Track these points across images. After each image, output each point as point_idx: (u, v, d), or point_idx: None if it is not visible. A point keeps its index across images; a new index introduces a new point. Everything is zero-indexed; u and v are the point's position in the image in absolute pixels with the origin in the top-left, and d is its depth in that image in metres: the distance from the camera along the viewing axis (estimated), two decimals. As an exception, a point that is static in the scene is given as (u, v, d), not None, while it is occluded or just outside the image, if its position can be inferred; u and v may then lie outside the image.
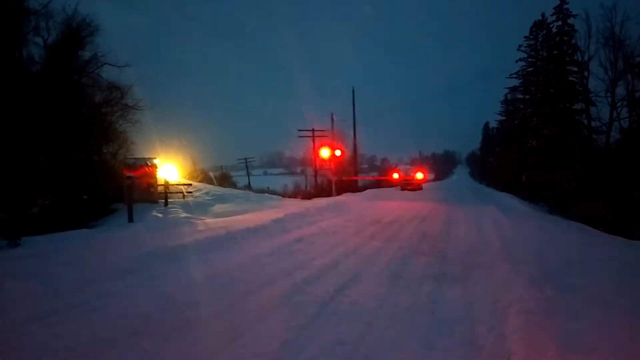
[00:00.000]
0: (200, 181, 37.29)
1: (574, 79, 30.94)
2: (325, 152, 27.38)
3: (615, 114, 26.39)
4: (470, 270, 6.44)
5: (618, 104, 26.12)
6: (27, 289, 4.73)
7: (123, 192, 16.91)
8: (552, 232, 11.94)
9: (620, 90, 25.87)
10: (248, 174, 53.14)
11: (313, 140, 33.11)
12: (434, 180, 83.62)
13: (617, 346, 3.34)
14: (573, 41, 31.17)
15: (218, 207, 20.22)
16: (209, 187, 35.65)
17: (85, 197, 15.66)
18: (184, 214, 15.54)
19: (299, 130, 33.73)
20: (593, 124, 28.60)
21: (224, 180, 49.45)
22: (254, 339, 3.74)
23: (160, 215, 15.07)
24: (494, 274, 6.02)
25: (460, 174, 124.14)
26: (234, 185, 47.86)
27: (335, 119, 31.78)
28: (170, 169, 21.43)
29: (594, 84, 27.96)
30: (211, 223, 11.65)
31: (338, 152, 27.70)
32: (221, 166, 59.01)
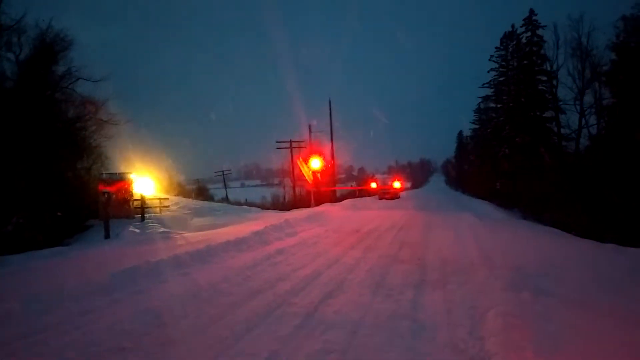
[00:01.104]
0: (177, 195, 36.94)
1: (544, 88, 32.05)
2: (315, 163, 27.44)
3: (583, 122, 27.45)
4: (449, 276, 6.60)
5: (586, 112, 27.19)
6: (6, 308, 4.64)
7: (98, 208, 16.65)
8: (526, 237, 12.29)
9: (588, 98, 27.01)
10: (225, 187, 52.77)
11: (291, 152, 33.24)
12: (410, 188, 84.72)
13: (588, 343, 3.51)
14: (542, 51, 32.37)
15: (196, 221, 20.07)
16: (185, 200, 35.35)
17: (59, 214, 15.36)
18: (162, 229, 15.36)
19: (277, 142, 33.83)
20: (563, 131, 29.66)
21: (201, 193, 49.07)
22: (243, 350, 3.78)
23: (137, 230, 14.85)
24: (472, 280, 6.19)
25: (436, 182, 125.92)
26: (211, 198, 47.50)
27: (313, 131, 31.98)
28: (146, 183, 21.16)
29: (563, 92, 29.14)
30: (190, 237, 11.56)
31: (318, 164, 27.78)
32: (197, 179, 58.53)
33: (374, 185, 42.89)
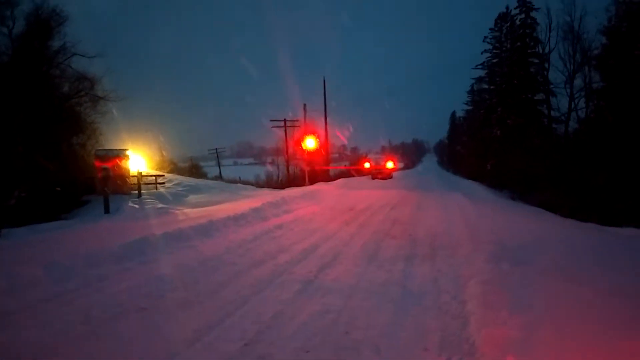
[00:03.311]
0: (170, 172, 37.00)
1: (536, 71, 32.38)
2: (310, 143, 27.66)
3: (573, 105, 27.97)
4: (437, 250, 7.09)
5: (576, 95, 27.70)
6: (29, 274, 5.04)
7: (95, 183, 16.94)
8: (512, 216, 12.84)
9: (578, 82, 27.48)
10: (219, 165, 52.90)
11: (285, 131, 33.42)
12: (403, 168, 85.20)
13: (555, 304, 4.00)
14: (535, 34, 32.56)
15: (193, 198, 20.40)
16: (180, 178, 35.48)
17: (58, 189, 15.62)
18: (160, 205, 15.73)
19: (271, 121, 33.96)
20: (553, 113, 30.21)
21: (194, 171, 49.07)
22: (250, 310, 4.24)
23: (136, 206, 15.19)
24: (457, 254, 6.68)
25: (429, 163, 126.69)
26: (204, 175, 47.56)
27: (308, 110, 32.13)
28: (138, 160, 21.35)
29: (554, 75, 29.55)
30: (190, 213, 11.96)
31: (312, 143, 28.03)
32: (191, 157, 58.49)
33: (367, 165, 43.25)
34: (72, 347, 3.44)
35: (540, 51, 31.39)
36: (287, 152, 34.63)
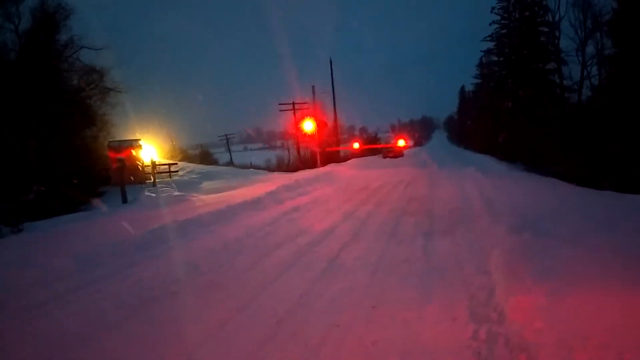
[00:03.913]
0: (181, 160, 37.27)
1: (546, 40, 31.72)
2: (308, 125, 27.60)
3: (585, 73, 27.42)
4: (455, 225, 7.13)
5: (588, 63, 27.12)
6: (60, 264, 5.19)
7: (110, 174, 17.17)
8: (528, 188, 12.77)
9: (590, 49, 26.89)
10: (230, 151, 53.09)
11: (294, 114, 33.29)
12: (413, 146, 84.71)
13: (578, 271, 4.03)
14: (544, 2, 31.77)
15: (207, 185, 20.58)
16: (192, 165, 35.76)
17: (75, 181, 15.86)
18: (176, 193, 15.89)
19: (280, 104, 33.80)
20: (565, 82, 29.63)
21: (205, 158, 49.37)
22: (278, 290, 4.35)
23: (153, 194, 15.37)
24: (477, 227, 6.72)
25: (439, 139, 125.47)
26: (215, 162, 47.86)
27: (316, 92, 31.96)
28: (150, 149, 21.55)
29: (565, 43, 28.96)
30: (207, 199, 12.10)
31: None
32: (200, 144, 58.78)
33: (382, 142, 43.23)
34: (110, 332, 3.57)
35: (550, 19, 30.71)
36: (297, 134, 34.57)
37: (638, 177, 14.87)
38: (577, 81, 28.14)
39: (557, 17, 29.65)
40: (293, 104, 33.03)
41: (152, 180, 18.06)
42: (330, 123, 36.26)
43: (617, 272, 4.02)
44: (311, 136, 29.59)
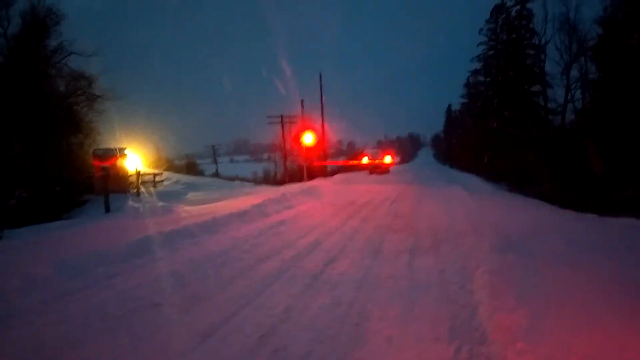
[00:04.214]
0: (166, 170, 37.00)
1: (532, 62, 32.47)
2: (309, 138, 27.55)
3: (569, 96, 28.04)
4: (440, 243, 7.17)
5: (572, 86, 27.76)
6: (40, 273, 5.08)
7: (93, 182, 16.93)
8: (512, 208, 12.95)
9: (574, 73, 27.53)
10: (216, 162, 52.92)
11: (282, 127, 33.45)
12: (400, 162, 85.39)
13: (559, 291, 4.10)
14: (531, 25, 32.58)
15: (192, 195, 20.46)
16: (177, 175, 35.59)
17: (57, 188, 15.62)
18: (161, 203, 15.72)
19: (268, 117, 33.96)
20: (549, 105, 30.27)
21: (191, 168, 49.09)
22: (262, 304, 4.31)
23: (137, 204, 15.17)
24: (461, 245, 6.77)
25: (425, 156, 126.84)
26: (201, 173, 47.60)
27: (304, 106, 32.15)
28: (135, 158, 21.35)
29: (550, 67, 29.64)
30: (192, 210, 12.00)
31: (311, 138, 27.93)
32: (186, 154, 58.47)
33: (366, 160, 43.39)
34: (91, 343, 3.50)
35: (537, 42, 31.46)
36: (284, 148, 34.63)
37: (620, 200, 15.19)
38: (561, 104, 28.79)
39: (543, 41, 30.44)
40: (281, 117, 33.19)
41: (136, 190, 17.84)
42: (318, 137, 36.43)
43: (599, 294, 4.10)
44: (299, 149, 29.62)
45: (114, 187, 16.73)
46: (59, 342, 3.51)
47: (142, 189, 18.66)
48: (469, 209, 11.07)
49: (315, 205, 12.78)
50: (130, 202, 15.29)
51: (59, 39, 17.66)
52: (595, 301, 3.88)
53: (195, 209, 12.33)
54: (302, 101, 32.37)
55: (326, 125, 34.16)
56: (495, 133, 33.99)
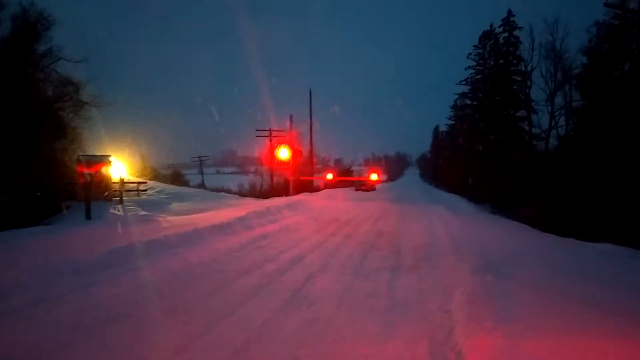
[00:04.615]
0: (151, 179, 36.58)
1: (518, 88, 33.21)
2: (283, 153, 27.64)
3: (553, 122, 28.72)
4: (421, 262, 7.21)
5: (556, 113, 28.47)
6: (16, 279, 4.96)
7: (75, 189, 16.69)
8: (494, 230, 13.09)
9: (559, 100, 28.26)
10: (202, 173, 52.47)
11: (270, 141, 33.41)
12: (386, 181, 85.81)
13: (536, 314, 4.14)
14: (518, 52, 33.48)
15: (176, 206, 20.26)
16: (162, 185, 35.18)
17: (38, 194, 15.35)
18: (143, 212, 15.52)
19: (257, 130, 33.94)
20: (534, 130, 30.95)
21: (176, 178, 48.57)
22: (239, 318, 4.26)
23: (118, 213, 14.99)
24: (442, 265, 6.82)
25: (412, 175, 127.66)
26: (186, 183, 47.10)
27: (293, 121, 32.30)
28: (119, 166, 21.10)
29: (536, 93, 30.36)
30: (175, 221, 11.85)
31: (285, 153, 27.98)
32: (172, 164, 57.88)
33: (355, 175, 43.65)
34: (62, 354, 3.41)
35: (523, 69, 32.23)
36: (272, 161, 34.58)
37: (599, 225, 15.47)
38: (545, 130, 29.45)
39: (529, 67, 31.19)
40: (270, 130, 33.20)
41: (119, 198, 17.62)
42: (305, 152, 36.54)
43: (575, 317, 4.14)
44: (285, 163, 29.65)
45: (97, 194, 16.54)
46: (27, 352, 3.43)
47: (125, 198, 18.42)
48: (451, 230, 11.15)
49: (300, 220, 12.76)
50: (112, 211, 15.10)
51: (48, 44, 17.57)
52: (572, 324, 3.92)
53: (177, 220, 12.18)
54: (291, 116, 32.56)
55: (314, 141, 34.36)
56: (481, 155, 34.48)
